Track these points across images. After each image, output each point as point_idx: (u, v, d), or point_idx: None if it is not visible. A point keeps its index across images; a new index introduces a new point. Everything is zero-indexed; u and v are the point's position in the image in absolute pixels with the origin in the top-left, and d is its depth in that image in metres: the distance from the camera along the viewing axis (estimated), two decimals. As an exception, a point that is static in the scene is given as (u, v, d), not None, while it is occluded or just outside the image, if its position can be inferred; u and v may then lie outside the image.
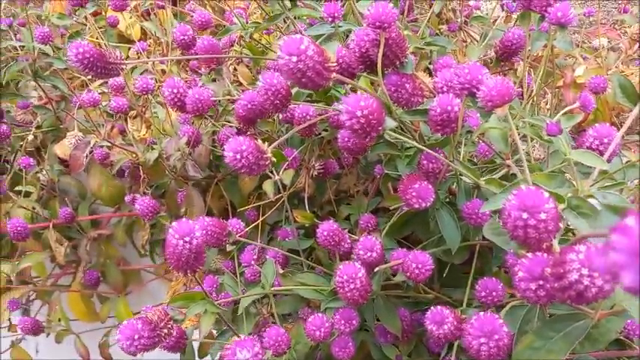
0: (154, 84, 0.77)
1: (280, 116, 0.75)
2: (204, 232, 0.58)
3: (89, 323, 1.30)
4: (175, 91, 0.65)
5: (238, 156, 0.48)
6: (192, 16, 1.13)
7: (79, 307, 1.27)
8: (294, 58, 0.41)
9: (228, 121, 0.89)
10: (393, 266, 0.56)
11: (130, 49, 1.25)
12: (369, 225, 0.73)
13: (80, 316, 1.27)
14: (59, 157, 1.21)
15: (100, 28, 1.21)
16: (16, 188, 1.08)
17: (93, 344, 1.20)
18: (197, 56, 0.71)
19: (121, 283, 1.29)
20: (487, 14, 1.35)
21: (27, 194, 1.14)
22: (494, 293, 0.54)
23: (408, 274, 0.53)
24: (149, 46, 0.96)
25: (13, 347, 1.15)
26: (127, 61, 0.64)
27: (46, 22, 1.07)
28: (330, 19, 0.65)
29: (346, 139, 0.65)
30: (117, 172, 1.16)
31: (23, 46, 1.09)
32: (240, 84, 1.01)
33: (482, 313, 0.42)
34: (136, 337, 0.45)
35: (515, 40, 0.65)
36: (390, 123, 0.46)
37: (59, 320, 1.12)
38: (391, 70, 0.52)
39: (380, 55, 0.48)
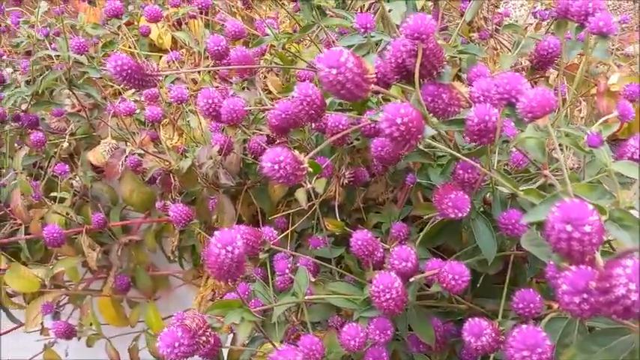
0: (188, 93, 0.78)
1: (312, 125, 0.75)
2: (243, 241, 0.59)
3: (118, 328, 1.32)
4: (210, 101, 0.66)
5: (276, 166, 0.48)
6: (222, 26, 1.15)
7: (109, 312, 1.29)
8: (334, 71, 0.41)
9: (259, 130, 0.90)
10: (428, 277, 0.56)
11: (161, 57, 1.27)
12: (401, 234, 0.73)
13: (110, 321, 1.29)
14: (92, 164, 1.23)
15: (133, 37, 1.24)
16: (51, 194, 1.10)
17: (121, 348, 1.22)
18: (231, 66, 0.72)
19: (151, 288, 1.30)
20: (516, 21, 1.35)
21: (61, 200, 1.17)
22: (531, 305, 0.53)
23: (444, 285, 0.53)
24: (182, 55, 0.97)
25: (46, 350, 1.18)
26: (162, 72, 0.65)
27: (80, 31, 1.09)
28: (362, 30, 0.65)
29: (379, 148, 0.65)
30: (148, 179, 1.19)
31: (58, 56, 1.11)
32: (270, 92, 1.02)
33: (524, 325, 0.41)
34: (176, 344, 0.46)
35: (551, 49, 0.65)
36: (430, 131, 0.46)
37: (91, 324, 1.14)
38: (428, 80, 0.52)
39: (417, 65, 0.48)
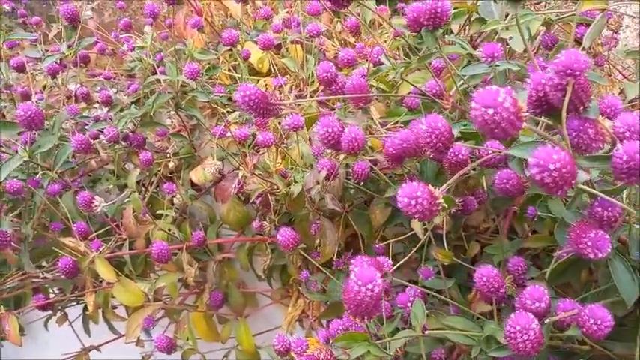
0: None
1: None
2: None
3: (208, 343, 1.35)
4: (330, 130, 0.66)
5: (413, 202, 0.48)
6: (320, 50, 1.17)
7: (202, 327, 1.32)
8: (491, 111, 0.41)
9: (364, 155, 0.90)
10: (562, 318, 0.54)
11: (258, 81, 1.31)
12: (519, 269, 0.70)
13: (202, 336, 1.33)
14: (191, 183, 1.28)
15: (233, 61, 1.28)
16: (156, 211, 1.15)
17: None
18: (346, 95, 0.72)
19: (242, 305, 1.33)
20: (626, 45, 1.28)
21: (158, 216, 1.22)
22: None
23: (585, 329, 0.51)
24: (287, 80, 0.99)
25: (144, 361, 1.23)
26: (285, 102, 0.66)
27: (188, 57, 1.14)
28: (488, 60, 0.64)
29: (505, 180, 0.64)
30: (244, 199, 1.22)
31: (165, 80, 1.17)
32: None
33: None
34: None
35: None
36: (583, 176, 0.45)
37: (187, 339, 1.18)
38: (572, 115, 0.50)
39: (566, 101, 0.47)
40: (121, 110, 1.45)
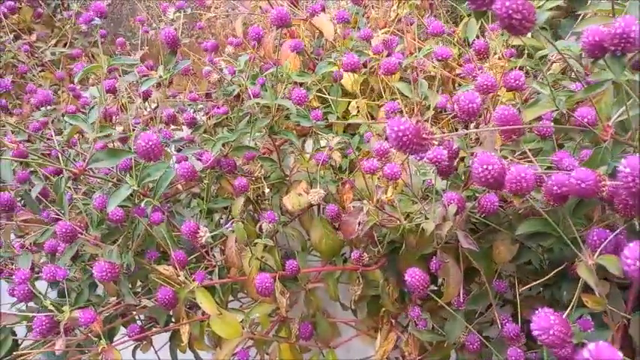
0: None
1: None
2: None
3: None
4: (490, 167, 0.60)
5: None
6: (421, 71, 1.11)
7: (289, 358, 1.27)
8: None
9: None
10: None
11: (349, 103, 1.26)
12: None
13: (290, 367, 1.28)
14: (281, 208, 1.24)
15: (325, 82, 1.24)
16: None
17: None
18: (502, 127, 0.66)
19: (331, 336, 1.28)
20: None
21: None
22: None
23: None
24: (399, 105, 0.94)
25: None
26: (436, 136, 0.61)
27: (285, 79, 1.11)
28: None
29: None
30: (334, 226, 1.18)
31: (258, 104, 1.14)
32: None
33: None
34: None
35: None
36: None
37: (281, 372, 1.13)
38: None
39: None
40: (204, 132, 1.43)
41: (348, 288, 1.28)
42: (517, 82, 0.75)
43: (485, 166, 0.60)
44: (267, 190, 1.12)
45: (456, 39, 1.24)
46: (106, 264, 0.85)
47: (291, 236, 1.21)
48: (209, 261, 1.19)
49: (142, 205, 0.93)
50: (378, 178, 0.87)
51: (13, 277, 1.18)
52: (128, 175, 0.88)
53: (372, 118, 1.28)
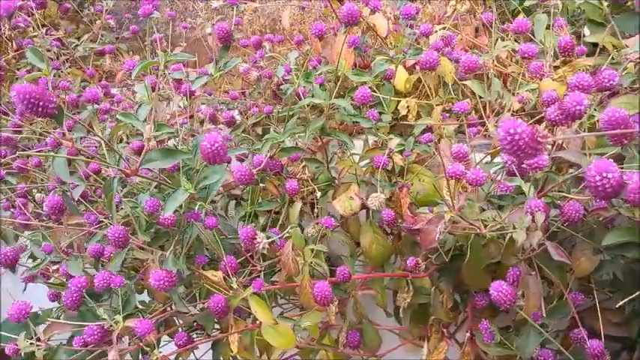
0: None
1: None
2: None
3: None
4: (608, 176, 0.55)
5: None
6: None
7: (335, 367, 1.23)
8: None
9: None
10: None
11: (399, 102, 1.21)
12: None
13: (336, 377, 1.23)
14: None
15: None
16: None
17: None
18: (602, 132, 0.61)
19: (378, 344, 1.23)
20: None
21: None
22: None
23: None
24: (468, 104, 0.89)
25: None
26: (552, 138, 0.56)
27: (340, 78, 1.06)
28: None
29: None
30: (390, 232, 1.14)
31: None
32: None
33: None
34: None
35: None
36: None
37: (331, 383, 1.08)
38: None
39: None
40: (243, 131, 1.39)
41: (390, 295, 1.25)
42: (610, 81, 0.70)
43: (604, 174, 0.55)
44: (318, 194, 1.07)
45: (508, 35, 1.19)
46: (163, 272, 0.81)
47: (341, 242, 1.16)
48: (253, 266, 1.15)
49: (197, 209, 0.88)
50: (448, 184, 0.82)
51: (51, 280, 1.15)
52: (184, 178, 0.83)
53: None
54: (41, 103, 0.61)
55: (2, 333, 0.87)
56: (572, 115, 0.63)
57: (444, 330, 1.18)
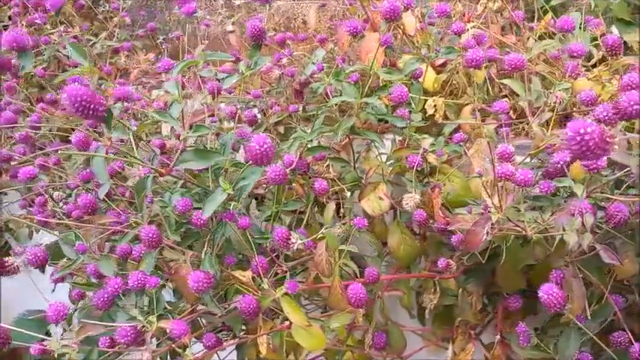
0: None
1: None
2: None
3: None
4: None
5: None
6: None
7: (359, 368, 1.22)
8: None
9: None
10: None
11: (426, 101, 1.20)
12: None
13: (361, 378, 1.22)
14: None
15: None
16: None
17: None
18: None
19: (403, 346, 1.22)
20: None
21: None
22: None
23: None
24: (507, 104, 0.88)
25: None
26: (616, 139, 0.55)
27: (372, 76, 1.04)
28: None
29: None
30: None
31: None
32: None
33: None
34: None
35: None
36: None
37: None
38: None
39: None
40: (265, 130, 1.37)
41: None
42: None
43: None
44: (348, 194, 1.06)
45: (537, 34, 1.18)
46: (201, 274, 0.79)
47: (368, 242, 1.15)
48: (279, 266, 1.13)
49: (231, 209, 0.87)
50: (490, 184, 0.81)
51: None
52: (221, 179, 0.82)
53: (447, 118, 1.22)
54: (92, 106, 0.60)
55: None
56: (628, 114, 0.62)
57: (471, 332, 1.17)
